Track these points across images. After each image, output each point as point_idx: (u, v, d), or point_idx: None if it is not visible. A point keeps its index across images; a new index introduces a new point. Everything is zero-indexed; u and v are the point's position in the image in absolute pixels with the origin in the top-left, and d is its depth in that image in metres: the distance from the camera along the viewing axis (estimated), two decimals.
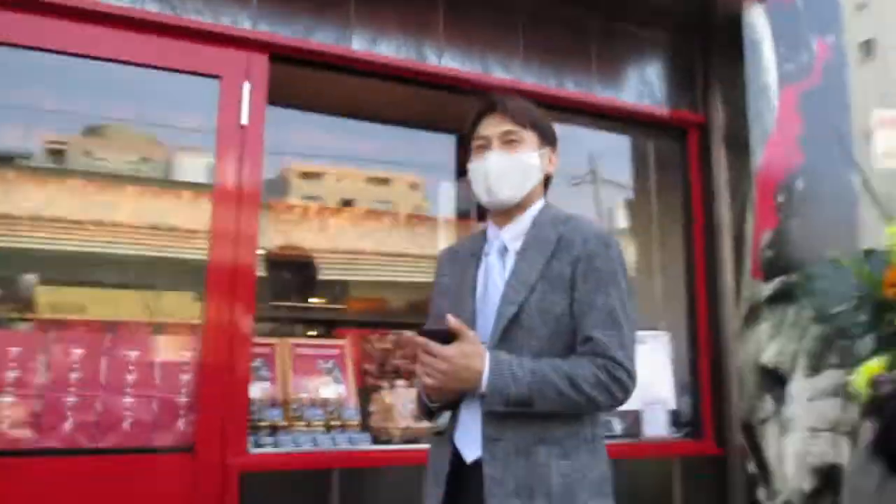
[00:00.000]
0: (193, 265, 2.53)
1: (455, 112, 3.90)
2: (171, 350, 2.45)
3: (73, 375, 2.32)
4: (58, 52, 2.39)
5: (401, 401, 2.86)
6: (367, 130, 3.45)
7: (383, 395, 2.94)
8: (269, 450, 2.54)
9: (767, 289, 3.13)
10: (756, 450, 3.03)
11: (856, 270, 2.96)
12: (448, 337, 1.52)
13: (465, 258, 1.77)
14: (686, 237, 3.39)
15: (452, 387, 1.54)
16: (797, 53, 3.36)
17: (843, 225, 3.29)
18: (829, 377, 3.14)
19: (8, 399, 2.23)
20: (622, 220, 3.96)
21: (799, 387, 3.09)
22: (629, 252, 3.79)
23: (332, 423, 2.81)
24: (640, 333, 3.06)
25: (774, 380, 3.07)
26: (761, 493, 2.99)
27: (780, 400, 3.05)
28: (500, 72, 3.02)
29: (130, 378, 2.38)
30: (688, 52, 3.44)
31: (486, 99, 1.76)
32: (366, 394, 3.16)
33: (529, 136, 1.73)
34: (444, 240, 3.98)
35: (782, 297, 3.13)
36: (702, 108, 3.40)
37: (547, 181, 1.79)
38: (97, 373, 2.34)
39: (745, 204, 3.19)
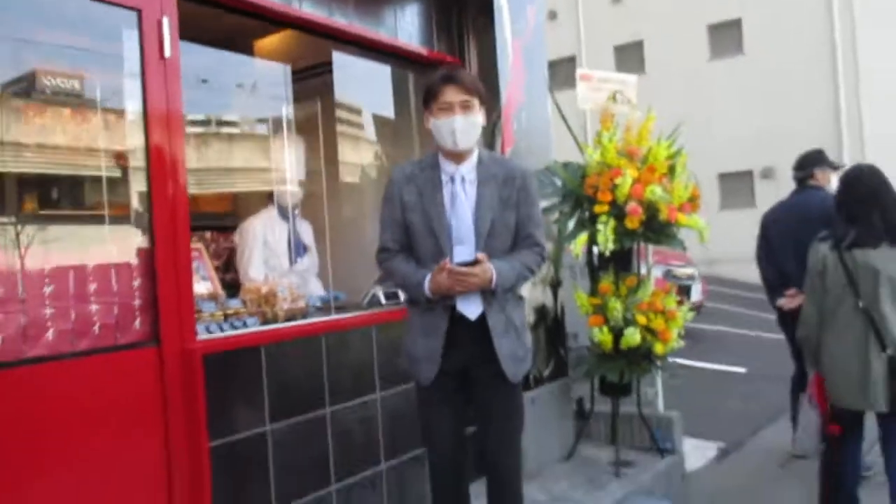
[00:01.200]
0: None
1: None
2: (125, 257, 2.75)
3: (47, 289, 2.52)
4: None
5: (278, 287, 3.51)
6: None
7: (259, 286, 3.53)
8: (205, 336, 3.03)
9: None
10: None
11: (563, 175, 4.45)
12: (472, 262, 2.50)
13: (423, 183, 2.66)
14: None
15: (476, 290, 2.53)
16: (520, 17, 4.61)
17: (546, 146, 4.76)
18: None
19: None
20: (390, 139, 4.90)
21: None
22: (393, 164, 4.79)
23: (227, 312, 3.35)
24: None
25: None
26: None
27: None
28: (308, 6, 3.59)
29: (93, 287, 2.65)
30: (450, 10, 4.44)
31: (446, 73, 2.64)
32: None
33: (476, 102, 2.64)
34: None
35: None
36: (458, 53, 4.47)
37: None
38: (67, 285, 2.57)
39: (495, 129, 4.40)
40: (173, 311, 2.82)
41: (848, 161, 16.82)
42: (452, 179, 2.63)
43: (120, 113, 2.79)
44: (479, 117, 2.65)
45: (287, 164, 4.20)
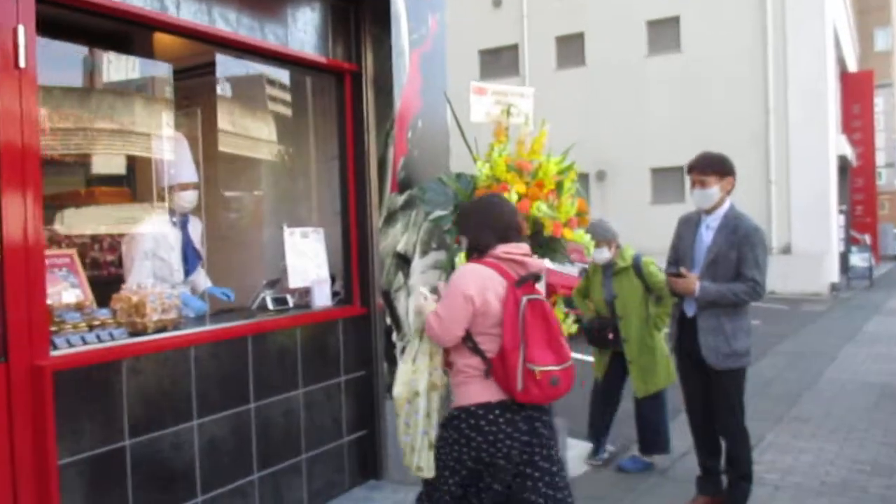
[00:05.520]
0: None
1: None
2: None
3: None
4: None
5: (149, 297, 3.47)
6: None
7: (129, 295, 3.49)
8: (61, 351, 2.99)
9: (401, 199, 4.49)
10: (392, 308, 4.46)
11: (454, 187, 4.50)
12: (680, 274, 3.89)
13: (690, 226, 4.05)
14: (341, 160, 4.49)
15: (682, 294, 3.91)
16: (420, 26, 4.62)
17: (442, 155, 4.79)
18: (431, 257, 4.70)
19: None
20: (291, 144, 4.86)
21: (416, 264, 4.58)
22: (295, 172, 4.80)
23: (93, 323, 3.31)
24: (304, 230, 4.35)
25: (404, 261, 4.50)
26: (394, 336, 4.46)
27: (406, 275, 4.51)
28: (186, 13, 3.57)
29: None
30: (347, 17, 4.42)
31: (691, 162, 3.98)
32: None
33: (710, 179, 3.88)
34: None
35: (409, 205, 4.53)
36: (355, 60, 4.46)
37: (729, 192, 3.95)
38: None
39: (388, 137, 4.42)
40: (23, 327, 2.78)
41: (774, 159, 17.52)
42: (707, 226, 3.96)
43: None
44: (712, 189, 3.89)
45: (176, 168, 4.12)
